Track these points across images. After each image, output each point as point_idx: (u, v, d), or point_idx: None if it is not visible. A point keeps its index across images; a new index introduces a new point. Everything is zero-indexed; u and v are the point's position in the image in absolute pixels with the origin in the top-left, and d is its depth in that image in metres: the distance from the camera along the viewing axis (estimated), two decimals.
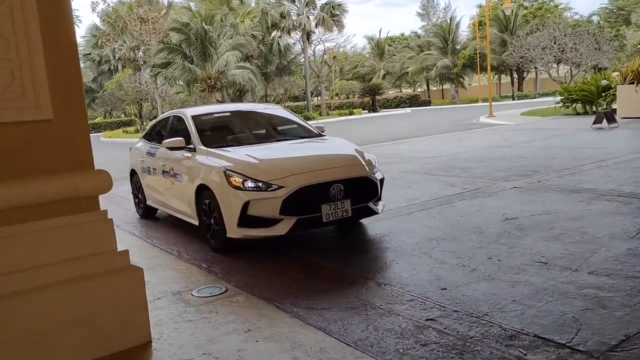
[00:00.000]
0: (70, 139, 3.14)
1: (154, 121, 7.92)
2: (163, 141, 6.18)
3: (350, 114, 41.57)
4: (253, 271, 4.73)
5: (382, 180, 5.64)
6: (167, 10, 41.74)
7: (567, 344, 2.92)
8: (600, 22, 50.64)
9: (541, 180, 7.72)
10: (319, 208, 4.99)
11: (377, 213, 5.53)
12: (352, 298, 3.87)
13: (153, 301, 4.00)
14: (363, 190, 5.32)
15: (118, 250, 3.30)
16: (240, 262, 5.00)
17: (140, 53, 41.66)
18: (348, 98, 58.28)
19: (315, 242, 5.64)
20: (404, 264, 4.56)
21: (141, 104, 44.22)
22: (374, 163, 5.62)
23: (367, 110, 45.76)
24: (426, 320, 3.39)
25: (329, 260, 4.88)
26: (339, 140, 6.43)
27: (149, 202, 7.26)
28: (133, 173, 7.67)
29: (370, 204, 5.42)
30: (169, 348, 3.25)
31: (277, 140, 6.20)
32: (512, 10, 38.97)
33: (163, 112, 36.53)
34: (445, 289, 3.89)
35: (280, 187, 4.92)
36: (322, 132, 6.64)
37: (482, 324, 3.26)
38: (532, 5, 53.93)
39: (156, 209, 7.35)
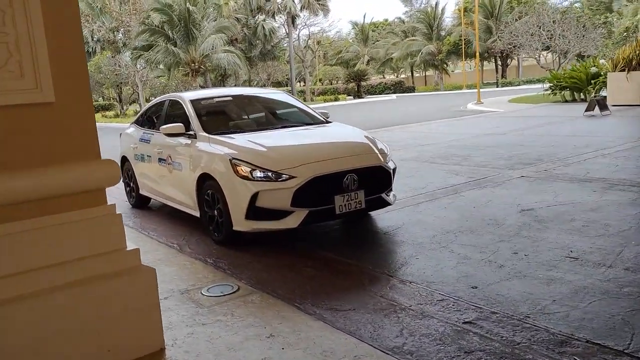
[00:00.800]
0: (74, 125, 2.79)
1: (146, 106, 7.51)
2: (160, 127, 5.80)
3: (336, 99, 41.24)
4: (263, 267, 4.43)
5: (394, 170, 5.37)
6: None
7: (625, 351, 2.69)
8: (583, 9, 50.80)
9: (547, 169, 7.53)
10: (331, 199, 4.70)
11: (390, 204, 5.27)
12: (378, 297, 3.61)
13: (160, 301, 3.68)
14: (377, 180, 5.04)
15: (128, 248, 2.97)
16: (247, 257, 4.70)
17: (120, 35, 40.50)
18: (331, 84, 57.81)
19: (323, 235, 5.36)
20: (425, 259, 4.31)
21: (121, 88, 43.18)
22: (386, 151, 5.34)
23: (352, 96, 45.43)
24: (464, 323, 3.14)
25: (342, 255, 4.61)
26: (346, 126, 6.12)
27: (142, 191, 6.88)
28: (124, 160, 7.27)
29: (384, 195, 5.15)
30: (185, 357, 2.95)
31: (283, 127, 5.86)
32: None
33: (144, 97, 35.84)
34: (476, 287, 3.65)
35: (291, 177, 4.61)
36: (327, 118, 6.33)
37: (526, 327, 3.02)
38: None
39: (149, 199, 6.98)
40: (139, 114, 7.48)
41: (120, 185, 7.52)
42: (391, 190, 5.36)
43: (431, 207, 6.01)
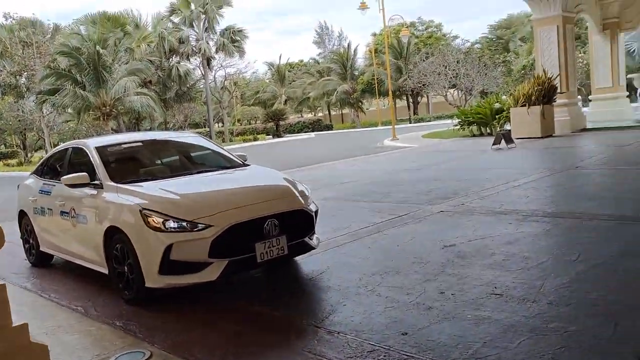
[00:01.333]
0: None
1: (47, 154, 6.93)
2: (62, 177, 5.32)
3: (255, 139, 41.17)
4: (180, 327, 4.06)
5: (316, 213, 5.22)
6: (54, 34, 38.95)
7: None
8: (484, 50, 54.78)
9: (464, 203, 7.71)
10: (252, 247, 4.45)
11: (314, 248, 5.08)
12: (305, 354, 3.37)
13: None
14: (299, 224, 4.86)
15: (14, 325, 2.55)
16: (163, 316, 4.30)
17: (23, 79, 38.32)
18: (250, 124, 57.90)
19: (246, 285, 5.06)
20: (353, 305, 4.14)
21: (25, 134, 40.66)
22: (307, 194, 5.19)
23: (271, 136, 45.60)
24: None
25: (267, 306, 4.34)
26: (265, 169, 5.93)
27: (43, 248, 6.26)
28: (22, 214, 6.62)
29: (307, 239, 4.96)
30: None
31: (198, 172, 5.56)
32: (408, 39, 41.04)
33: (51, 143, 33.85)
34: (406, 333, 3.51)
35: (208, 226, 4.32)
36: (245, 160, 6.11)
37: None
38: (423, 34, 57.27)
39: (52, 256, 6.36)
40: (38, 164, 6.88)
41: (19, 241, 6.81)
42: (314, 233, 5.19)
43: (355, 247, 5.90)
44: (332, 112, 64.15)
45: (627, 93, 22.33)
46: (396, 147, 21.97)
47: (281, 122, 47.26)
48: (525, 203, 7.29)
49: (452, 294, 4.14)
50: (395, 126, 27.98)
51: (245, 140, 40.71)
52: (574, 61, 19.78)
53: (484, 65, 33.40)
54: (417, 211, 7.48)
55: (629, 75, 22.40)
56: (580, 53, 33.49)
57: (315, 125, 52.65)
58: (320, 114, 65.08)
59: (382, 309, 3.98)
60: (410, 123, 46.57)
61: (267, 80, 64.62)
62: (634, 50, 37.42)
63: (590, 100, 23.04)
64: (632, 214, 6.28)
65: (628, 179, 8.78)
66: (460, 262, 4.92)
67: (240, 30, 42.74)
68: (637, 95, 23.20)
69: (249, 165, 5.99)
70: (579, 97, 21.93)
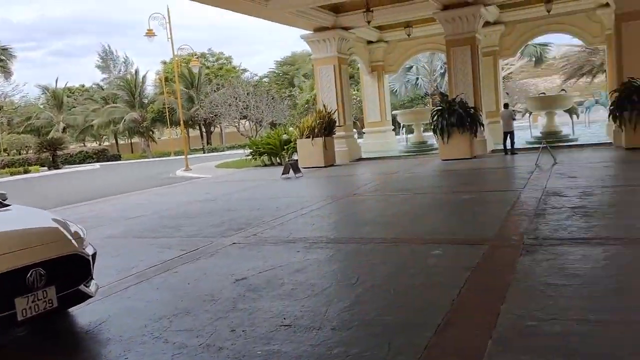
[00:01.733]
0: None
1: None
2: None
3: (26, 172, 36.37)
4: None
5: (94, 256, 4.69)
6: None
7: None
8: (271, 84, 57.58)
9: (256, 234, 7.80)
10: (11, 303, 3.78)
11: (91, 296, 4.53)
12: None
13: None
14: (72, 271, 4.29)
15: None
16: None
17: None
18: (20, 154, 51.14)
19: (5, 348, 4.27)
20: (136, 357, 3.77)
21: None
22: (82, 235, 4.63)
23: (46, 167, 40.81)
24: None
25: None
26: (29, 209, 5.16)
27: None
28: None
29: (82, 287, 4.41)
30: None
31: None
32: (199, 69, 41.03)
33: None
34: None
35: None
36: (4, 200, 5.24)
37: None
38: (214, 65, 57.86)
39: None
40: None
41: None
42: (92, 278, 4.65)
43: (142, 289, 5.47)
44: (120, 142, 60.35)
45: (393, 127, 25.68)
46: (189, 177, 21.53)
47: (59, 152, 42.66)
48: (311, 230, 7.68)
49: (243, 330, 4.07)
50: (189, 156, 27.50)
51: (13, 173, 35.66)
52: (349, 97, 21.96)
53: (272, 98, 35.20)
54: (210, 245, 7.32)
55: (393, 112, 25.77)
56: (354, 90, 37.39)
57: (101, 155, 48.90)
58: (106, 143, 60.68)
59: (169, 357, 3.71)
60: (204, 153, 46.30)
61: (42, 106, 58.11)
62: (396, 90, 43.30)
63: (364, 133, 25.85)
64: (402, 236, 7.05)
65: (396, 204, 9.90)
66: (251, 296, 4.89)
67: (6, 49, 37.77)
68: (401, 129, 26.78)
69: (9, 205, 5.14)
70: (355, 130, 24.38)
